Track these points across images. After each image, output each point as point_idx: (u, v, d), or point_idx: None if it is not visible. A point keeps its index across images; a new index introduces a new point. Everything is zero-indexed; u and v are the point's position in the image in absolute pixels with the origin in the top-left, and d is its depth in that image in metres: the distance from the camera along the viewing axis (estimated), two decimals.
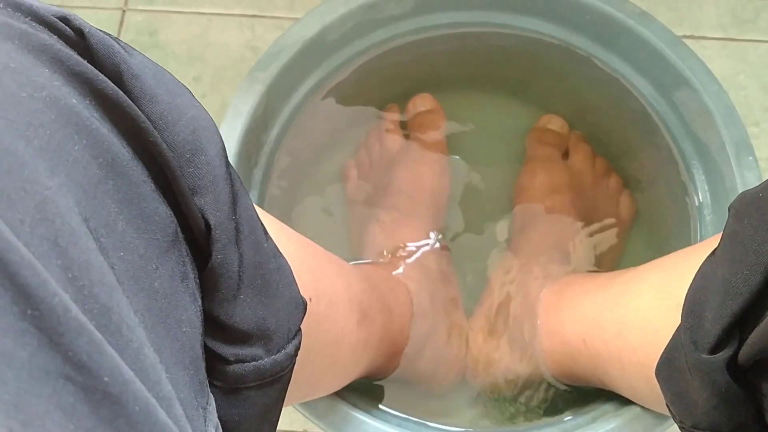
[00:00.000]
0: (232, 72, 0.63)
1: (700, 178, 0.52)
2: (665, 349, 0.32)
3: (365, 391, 0.51)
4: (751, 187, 0.29)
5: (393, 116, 0.60)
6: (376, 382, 0.52)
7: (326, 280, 0.37)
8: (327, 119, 0.58)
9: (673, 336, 0.31)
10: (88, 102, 0.20)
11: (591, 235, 0.56)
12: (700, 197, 0.52)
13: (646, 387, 0.37)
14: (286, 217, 0.56)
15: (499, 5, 0.55)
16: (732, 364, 0.27)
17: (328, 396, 0.44)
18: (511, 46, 0.58)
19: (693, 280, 0.30)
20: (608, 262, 0.57)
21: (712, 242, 0.30)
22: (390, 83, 0.60)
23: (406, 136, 0.60)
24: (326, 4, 0.52)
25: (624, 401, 0.45)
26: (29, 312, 0.16)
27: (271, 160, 0.53)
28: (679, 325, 0.31)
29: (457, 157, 0.60)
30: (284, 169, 0.54)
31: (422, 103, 0.60)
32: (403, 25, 0.56)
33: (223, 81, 0.63)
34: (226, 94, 0.62)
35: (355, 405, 0.45)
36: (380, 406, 0.51)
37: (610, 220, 0.58)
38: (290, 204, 0.57)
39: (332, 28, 0.52)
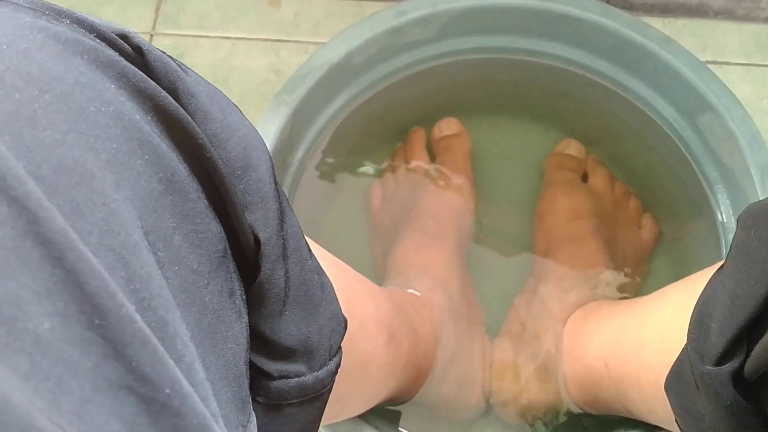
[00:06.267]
0: (256, 95, 0.64)
1: (724, 202, 0.52)
2: (674, 362, 0.32)
3: (387, 414, 0.51)
4: None
5: (418, 139, 0.60)
6: (398, 406, 0.52)
7: (358, 301, 0.37)
8: (351, 142, 0.58)
9: (682, 349, 0.31)
10: (150, 118, 0.21)
11: (614, 259, 0.56)
12: (725, 220, 0.51)
13: (663, 407, 0.37)
14: (310, 239, 0.56)
15: (521, 31, 0.56)
16: (738, 377, 0.27)
17: (351, 419, 0.44)
18: (534, 71, 0.58)
19: (702, 292, 0.30)
20: (632, 286, 0.56)
21: None
22: (414, 106, 0.60)
23: (431, 159, 0.60)
24: (352, 29, 0.53)
25: (649, 428, 0.45)
26: (96, 322, 0.16)
27: (296, 181, 0.53)
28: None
29: (481, 180, 0.60)
30: (309, 190, 0.55)
31: (448, 126, 0.60)
32: (428, 49, 0.56)
33: (248, 103, 0.63)
34: (251, 116, 0.62)
35: (377, 428, 0.45)
36: (402, 429, 0.51)
37: (633, 244, 0.58)
38: (315, 225, 0.57)
39: (358, 52, 0.53)
